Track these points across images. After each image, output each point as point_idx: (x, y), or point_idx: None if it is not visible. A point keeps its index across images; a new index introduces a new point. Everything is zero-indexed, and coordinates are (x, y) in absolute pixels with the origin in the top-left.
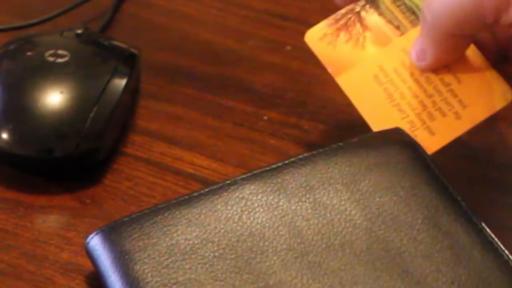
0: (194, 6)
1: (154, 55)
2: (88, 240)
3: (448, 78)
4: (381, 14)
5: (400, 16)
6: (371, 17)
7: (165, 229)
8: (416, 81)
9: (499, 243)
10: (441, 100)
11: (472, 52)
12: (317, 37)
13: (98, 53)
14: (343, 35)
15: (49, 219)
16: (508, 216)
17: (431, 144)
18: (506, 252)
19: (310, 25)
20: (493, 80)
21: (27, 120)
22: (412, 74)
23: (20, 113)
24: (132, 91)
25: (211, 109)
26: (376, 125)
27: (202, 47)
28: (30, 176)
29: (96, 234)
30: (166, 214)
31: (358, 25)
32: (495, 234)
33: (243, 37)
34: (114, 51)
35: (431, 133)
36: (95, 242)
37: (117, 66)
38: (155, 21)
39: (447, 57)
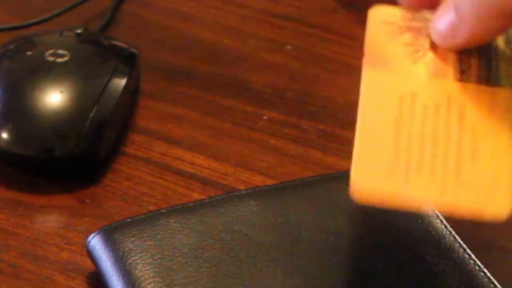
0: (194, 6)
1: (154, 55)
2: (89, 239)
3: (467, 151)
4: None
5: (476, 70)
6: None
7: (168, 232)
8: (434, 132)
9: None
10: (441, 163)
11: (508, 140)
12: (382, 18)
13: (98, 53)
14: (407, 37)
15: (49, 219)
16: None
17: (396, 197)
18: None
19: (310, 25)
20: (506, 184)
21: (27, 120)
22: (435, 123)
23: (20, 113)
24: (132, 91)
25: (211, 109)
26: (362, 137)
27: (202, 47)
28: (30, 176)
29: (98, 233)
30: (169, 219)
31: (429, 40)
32: (495, 235)
33: (243, 37)
34: (114, 51)
35: (405, 186)
36: (96, 242)
37: (117, 66)
38: (155, 21)
39: (486, 36)
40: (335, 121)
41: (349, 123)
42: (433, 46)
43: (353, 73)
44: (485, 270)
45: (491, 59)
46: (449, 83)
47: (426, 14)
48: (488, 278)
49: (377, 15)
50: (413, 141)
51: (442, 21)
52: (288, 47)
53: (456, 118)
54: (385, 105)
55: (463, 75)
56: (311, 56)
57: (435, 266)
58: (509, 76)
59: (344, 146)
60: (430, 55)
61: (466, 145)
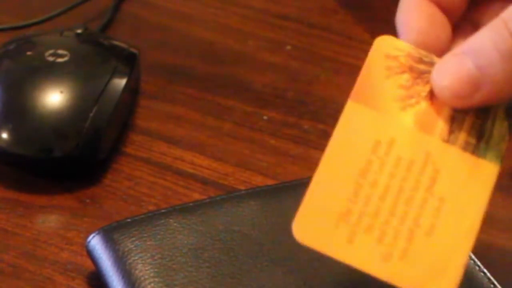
0: (194, 6)
1: (154, 55)
2: (89, 239)
3: (426, 221)
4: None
5: (466, 134)
6: None
7: (168, 232)
8: (399, 190)
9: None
10: (394, 227)
11: (471, 221)
12: (386, 50)
13: (98, 53)
14: (405, 78)
15: (49, 219)
16: (508, 216)
17: (337, 247)
18: None
19: (310, 25)
20: (456, 267)
21: (27, 120)
22: (404, 180)
23: (20, 113)
24: (132, 91)
25: (211, 109)
26: (323, 171)
27: (202, 47)
28: (30, 176)
29: (98, 233)
30: (169, 219)
31: (427, 88)
32: (495, 235)
33: (243, 37)
34: (114, 51)
35: (350, 240)
36: (96, 242)
37: (117, 66)
38: (155, 21)
39: (505, 100)
40: (335, 121)
41: None
42: (429, 97)
43: (353, 73)
44: (485, 270)
45: (486, 123)
46: (433, 141)
47: (435, 58)
48: (488, 278)
49: (383, 46)
50: (374, 193)
51: (456, 77)
52: (288, 47)
53: (427, 181)
54: (358, 144)
55: (450, 135)
56: (311, 56)
57: None
58: (498, 149)
59: None
60: (423, 105)
61: (427, 214)
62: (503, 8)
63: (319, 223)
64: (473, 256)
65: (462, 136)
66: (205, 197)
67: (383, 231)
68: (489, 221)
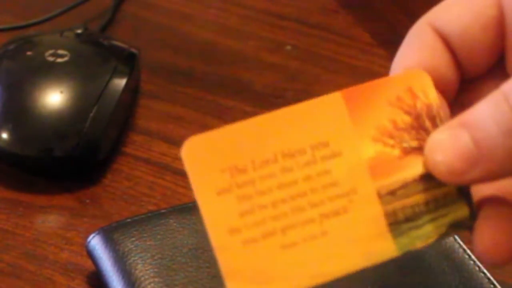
0: (194, 6)
1: (154, 55)
2: (89, 239)
3: (296, 234)
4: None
5: (401, 206)
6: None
7: (168, 232)
8: (302, 195)
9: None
10: (264, 216)
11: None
12: (412, 84)
13: (98, 53)
14: (404, 120)
15: (49, 219)
16: None
17: (206, 189)
18: None
19: (310, 25)
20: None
21: (27, 120)
22: (313, 193)
23: (20, 113)
24: (132, 90)
25: (211, 109)
26: (252, 125)
27: (202, 47)
28: (30, 176)
29: (98, 233)
30: (169, 219)
31: (412, 143)
32: None
33: (243, 37)
34: (114, 51)
35: (220, 193)
36: (96, 242)
37: (117, 66)
38: (155, 21)
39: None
40: None
41: None
42: (405, 151)
43: (353, 73)
44: (485, 270)
45: (426, 215)
46: (368, 187)
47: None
48: (488, 278)
49: (414, 78)
50: (279, 178)
51: (452, 151)
52: (288, 47)
53: (329, 210)
54: (309, 130)
55: (388, 196)
56: (311, 56)
57: (435, 266)
58: (412, 243)
59: None
60: (394, 153)
61: (300, 232)
62: (496, 87)
63: (212, 156)
64: (473, 256)
65: (396, 205)
66: None
67: (253, 210)
68: None
